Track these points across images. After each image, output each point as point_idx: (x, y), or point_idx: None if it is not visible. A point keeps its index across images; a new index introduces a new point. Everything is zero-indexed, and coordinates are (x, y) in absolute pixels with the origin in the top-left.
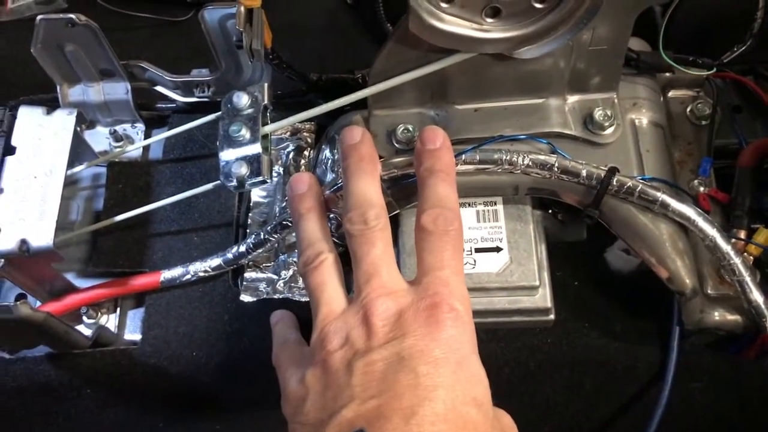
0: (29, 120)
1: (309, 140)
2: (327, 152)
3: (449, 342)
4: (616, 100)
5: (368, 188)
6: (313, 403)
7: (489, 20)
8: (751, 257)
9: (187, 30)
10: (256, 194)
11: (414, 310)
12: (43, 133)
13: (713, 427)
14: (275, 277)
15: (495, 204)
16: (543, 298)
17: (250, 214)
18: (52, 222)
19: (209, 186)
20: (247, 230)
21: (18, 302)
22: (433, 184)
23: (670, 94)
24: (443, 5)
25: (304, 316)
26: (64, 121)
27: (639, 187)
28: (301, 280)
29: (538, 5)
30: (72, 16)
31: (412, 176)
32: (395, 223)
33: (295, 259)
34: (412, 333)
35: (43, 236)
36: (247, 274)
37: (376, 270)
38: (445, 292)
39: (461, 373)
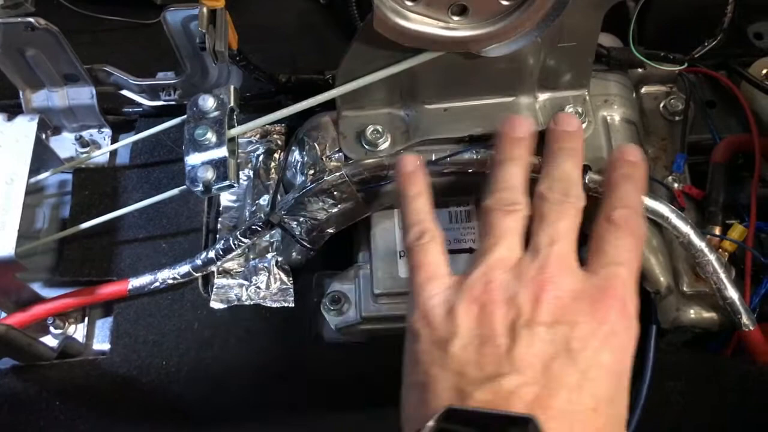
0: None
1: (279, 142)
2: (296, 154)
3: (620, 351)
4: (587, 97)
5: (575, 171)
6: (464, 350)
7: (455, 18)
8: (726, 253)
9: (156, 33)
10: (226, 198)
11: (590, 300)
12: (3, 141)
13: (691, 426)
14: (246, 282)
15: (467, 204)
16: None
17: (219, 219)
18: (13, 231)
19: (175, 191)
20: (217, 235)
21: None
22: (629, 188)
23: (643, 90)
24: (408, 3)
25: (276, 322)
26: (25, 127)
27: None
28: (273, 286)
29: (504, 2)
30: (31, 20)
31: (382, 178)
32: (366, 226)
33: (266, 265)
34: (581, 323)
35: (4, 246)
36: (217, 281)
37: (561, 238)
38: (620, 289)
39: (619, 388)
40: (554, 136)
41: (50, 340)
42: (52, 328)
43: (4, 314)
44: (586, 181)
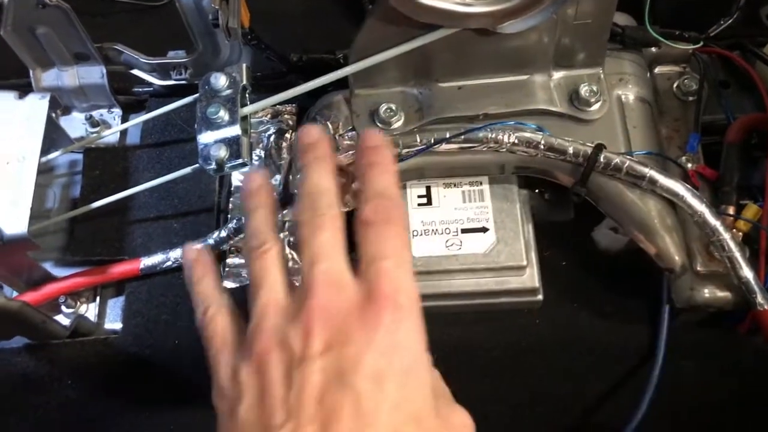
0: (0, 105)
1: (290, 122)
2: None
3: (394, 348)
4: (602, 76)
5: (322, 179)
6: (248, 411)
7: None
8: (740, 233)
9: (166, 13)
10: (237, 178)
11: (360, 310)
12: (14, 119)
13: (705, 406)
14: None
15: (481, 184)
16: (531, 278)
17: (231, 199)
18: (26, 209)
19: (188, 170)
20: (228, 215)
21: None
22: (373, 176)
23: (657, 69)
24: None
25: None
26: (36, 105)
27: (626, 164)
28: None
29: None
30: None
31: (395, 156)
32: None
33: None
34: (353, 340)
35: (16, 223)
36: (229, 260)
37: (320, 255)
38: (389, 286)
39: (408, 384)
40: (300, 149)
41: (62, 319)
42: (63, 308)
43: (15, 293)
44: (601, 159)
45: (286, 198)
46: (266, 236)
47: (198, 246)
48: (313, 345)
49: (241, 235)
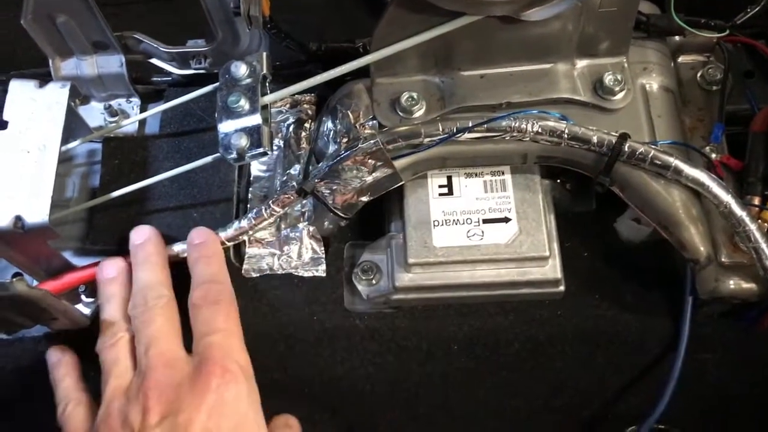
0: (21, 94)
1: (309, 112)
2: (329, 124)
3: (222, 408)
4: (626, 65)
5: (151, 275)
6: None
7: None
8: (766, 224)
9: (182, 3)
10: (257, 168)
11: (189, 380)
12: (35, 107)
13: (726, 399)
14: (278, 252)
15: (503, 174)
16: (553, 268)
17: (250, 189)
18: (47, 198)
19: (208, 159)
20: (248, 205)
21: (15, 279)
22: (200, 268)
23: (680, 59)
24: None
25: (307, 291)
26: (57, 94)
27: (651, 153)
28: (305, 256)
29: None
30: None
31: (417, 146)
32: (398, 194)
33: (298, 234)
34: (186, 406)
35: (38, 212)
36: (249, 250)
37: (154, 341)
38: (218, 355)
39: None
40: (131, 249)
41: (82, 309)
42: (83, 297)
43: (35, 282)
44: (626, 148)
45: (305, 186)
46: (117, 327)
47: (57, 350)
48: (150, 419)
49: (261, 226)
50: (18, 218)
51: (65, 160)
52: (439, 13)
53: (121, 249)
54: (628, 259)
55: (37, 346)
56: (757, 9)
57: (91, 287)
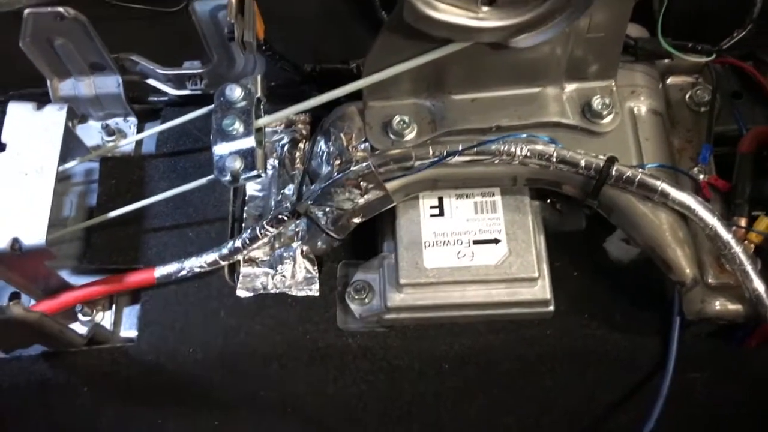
0: (19, 116)
1: (304, 132)
2: (322, 144)
3: None
4: (614, 88)
5: None
6: None
7: (484, 8)
8: (752, 245)
9: (179, 21)
10: (252, 188)
11: None
12: (33, 130)
13: (715, 418)
14: (271, 271)
15: (493, 195)
16: (542, 289)
17: (245, 208)
18: (44, 220)
19: (203, 180)
20: (243, 225)
21: (11, 303)
22: None
23: (669, 80)
24: None
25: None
26: (54, 116)
27: (639, 177)
28: (299, 275)
29: None
30: (60, 9)
31: (408, 168)
32: (391, 216)
33: (291, 254)
34: None
35: (35, 234)
36: (243, 269)
37: None
38: None
39: None
40: None
41: (79, 327)
42: (80, 316)
43: (33, 301)
44: (613, 172)
45: (299, 207)
46: None
47: None
48: None
49: (255, 245)
50: (15, 240)
51: (63, 179)
52: (430, 40)
53: (118, 269)
54: (617, 278)
55: (34, 365)
56: (743, 33)
57: (88, 306)
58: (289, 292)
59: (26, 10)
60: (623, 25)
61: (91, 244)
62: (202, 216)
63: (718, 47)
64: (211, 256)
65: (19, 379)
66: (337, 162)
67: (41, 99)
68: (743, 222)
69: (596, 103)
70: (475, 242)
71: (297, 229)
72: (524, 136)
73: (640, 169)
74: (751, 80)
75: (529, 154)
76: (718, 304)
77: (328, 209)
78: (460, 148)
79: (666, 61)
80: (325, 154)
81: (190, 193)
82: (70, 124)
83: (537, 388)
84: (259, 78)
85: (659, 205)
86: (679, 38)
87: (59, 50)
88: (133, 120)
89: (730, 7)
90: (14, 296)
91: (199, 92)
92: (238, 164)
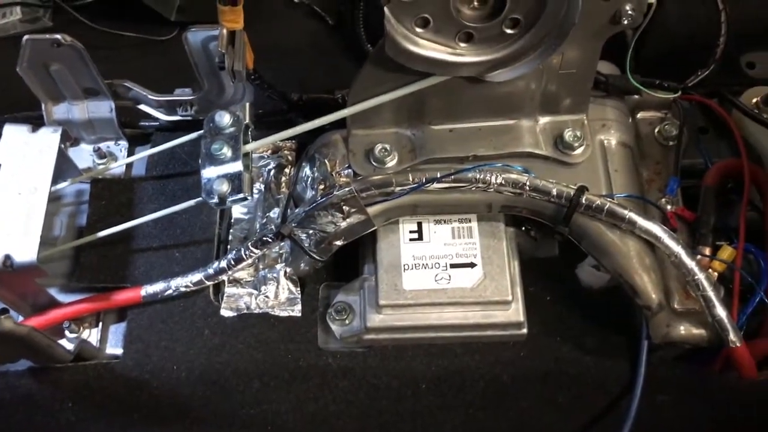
0: (14, 138)
1: (290, 158)
2: (307, 170)
3: None
4: (585, 122)
5: None
6: None
7: (462, 45)
8: (716, 273)
9: (170, 48)
10: (237, 211)
11: None
12: (27, 151)
13: None
14: (255, 291)
15: (470, 221)
16: (516, 312)
17: (231, 231)
18: (36, 238)
19: (191, 203)
20: (228, 246)
21: (1, 317)
22: None
23: (639, 115)
24: (418, 30)
25: (283, 331)
26: (48, 139)
27: (607, 206)
28: (282, 296)
29: (509, 31)
30: (58, 36)
31: (389, 194)
32: (372, 239)
33: (275, 275)
34: None
35: (26, 252)
36: (228, 290)
37: None
38: None
39: None
40: None
41: (65, 343)
42: (67, 332)
43: (20, 317)
44: (583, 200)
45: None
46: None
47: None
48: None
49: (240, 266)
50: (7, 257)
51: (54, 199)
52: (411, 72)
53: (106, 288)
54: (588, 303)
55: (20, 379)
56: (706, 72)
57: (75, 323)
58: (272, 312)
59: (25, 37)
60: (594, 62)
61: (80, 263)
62: (188, 237)
63: (683, 85)
64: (196, 276)
65: (4, 394)
66: (321, 187)
67: (36, 122)
68: (707, 251)
69: (568, 135)
70: (452, 266)
71: (281, 251)
72: (499, 165)
73: (609, 199)
74: (716, 116)
75: (503, 182)
76: (683, 329)
77: (311, 232)
78: (439, 176)
79: (636, 96)
80: (309, 179)
81: (178, 215)
82: (63, 146)
83: (511, 408)
84: (247, 105)
85: (627, 233)
86: (649, 75)
87: (55, 75)
88: (124, 143)
89: (696, 48)
90: (2, 312)
91: (189, 118)
92: (225, 187)
